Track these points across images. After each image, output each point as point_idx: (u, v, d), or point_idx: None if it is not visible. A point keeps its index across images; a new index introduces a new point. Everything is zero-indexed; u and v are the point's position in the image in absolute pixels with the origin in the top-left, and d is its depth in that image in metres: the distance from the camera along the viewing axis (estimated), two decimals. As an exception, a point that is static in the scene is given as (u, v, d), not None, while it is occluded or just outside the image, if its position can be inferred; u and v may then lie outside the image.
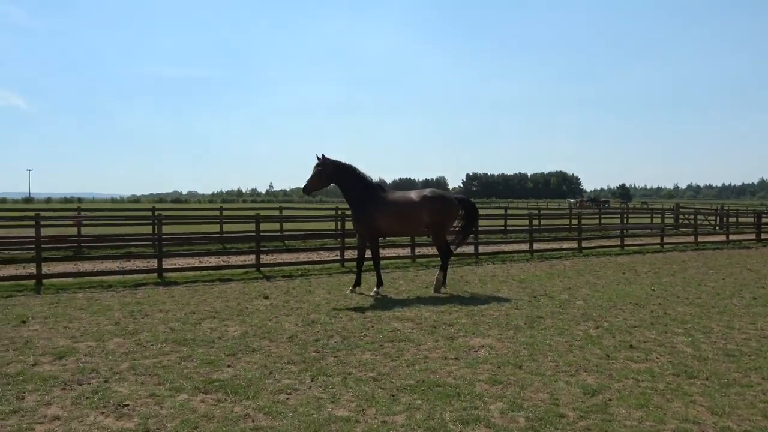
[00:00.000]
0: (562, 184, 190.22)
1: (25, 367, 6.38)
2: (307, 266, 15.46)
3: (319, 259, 16.31)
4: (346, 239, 16.82)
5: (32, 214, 17.54)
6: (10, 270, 14.22)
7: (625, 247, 22.01)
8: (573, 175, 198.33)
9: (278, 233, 22.08)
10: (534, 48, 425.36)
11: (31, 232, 15.65)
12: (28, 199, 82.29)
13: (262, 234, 16.42)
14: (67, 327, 8.33)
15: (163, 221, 15.16)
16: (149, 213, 24.93)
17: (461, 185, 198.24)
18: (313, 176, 11.33)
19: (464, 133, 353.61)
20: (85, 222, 20.48)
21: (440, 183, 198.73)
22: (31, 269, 13.54)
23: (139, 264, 15.26)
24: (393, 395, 5.55)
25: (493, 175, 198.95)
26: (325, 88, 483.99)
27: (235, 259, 16.79)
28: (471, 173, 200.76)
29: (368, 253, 12.42)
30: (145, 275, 13.44)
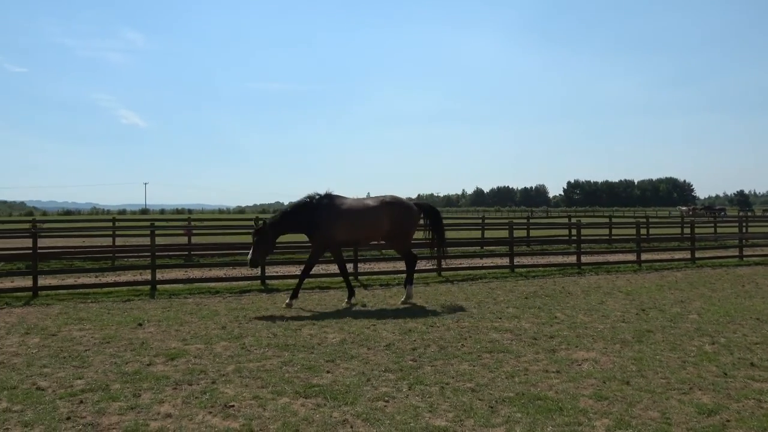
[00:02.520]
0: (673, 192, 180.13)
1: (141, 366, 6.83)
2: (403, 275, 15.52)
3: (416, 268, 16.33)
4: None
5: (148, 224, 18.77)
6: (129, 276, 15.29)
7: (745, 258, 20.48)
8: (684, 181, 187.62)
9: (375, 242, 22.35)
10: (639, 49, 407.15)
11: (147, 240, 16.74)
12: (144, 211, 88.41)
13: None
14: (179, 330, 8.84)
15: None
16: (253, 223, 25.95)
17: (562, 193, 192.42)
18: (255, 247, 11.02)
19: (565, 139, 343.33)
20: (194, 231, 21.65)
21: (540, 191, 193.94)
22: (147, 275, 14.49)
23: (244, 272, 15.93)
24: (491, 407, 5.45)
25: (596, 183, 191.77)
26: (423, 97, 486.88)
27: (333, 268, 17.13)
28: (572, 180, 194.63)
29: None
30: (249, 282, 14.01)
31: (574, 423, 5.05)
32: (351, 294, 11.43)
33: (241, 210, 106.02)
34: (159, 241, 16.71)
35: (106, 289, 12.88)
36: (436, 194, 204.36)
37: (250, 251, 11.10)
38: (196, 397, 5.74)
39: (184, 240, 21.65)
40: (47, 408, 5.45)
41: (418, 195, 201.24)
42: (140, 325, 9.22)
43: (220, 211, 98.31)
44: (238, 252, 19.50)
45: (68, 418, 5.19)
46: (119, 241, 21.90)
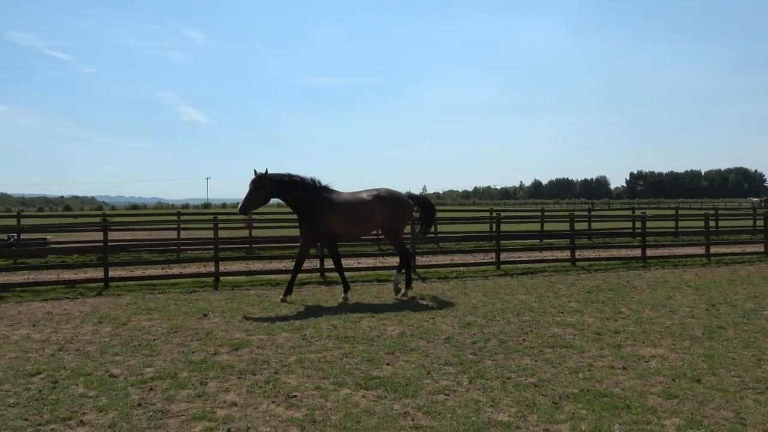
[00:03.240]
0: (743, 182, 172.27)
1: (207, 356, 7.03)
2: (461, 268, 15.44)
3: (474, 261, 16.22)
4: (501, 242, 16.54)
5: (210, 217, 19.27)
6: (193, 268, 15.76)
7: (824, 252, 19.36)
8: (756, 171, 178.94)
9: (432, 235, 22.28)
10: (705, 33, 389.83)
11: (210, 234, 17.16)
12: (207, 205, 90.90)
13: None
14: (242, 321, 9.05)
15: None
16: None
17: (624, 185, 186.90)
18: (249, 194, 10.72)
19: (626, 129, 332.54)
20: (255, 225, 22.09)
21: (601, 183, 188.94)
22: (210, 267, 14.87)
23: (306, 264, 16.16)
24: (555, 403, 5.35)
25: (660, 174, 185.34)
26: (478, 87, 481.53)
27: (391, 260, 17.19)
28: (635, 172, 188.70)
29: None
30: (308, 275, 14.20)
31: (643, 421, 4.90)
32: (346, 288, 11.16)
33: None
34: (221, 234, 17.11)
35: (172, 281, 13.31)
36: (493, 186, 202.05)
37: (242, 200, 10.84)
38: (259, 387, 5.86)
39: (245, 233, 22.14)
40: (120, 394, 5.68)
41: (475, 188, 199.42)
42: (205, 315, 9.49)
43: (279, 205, 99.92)
44: (297, 245, 19.87)
45: (139, 405, 5.40)
46: (183, 234, 22.56)
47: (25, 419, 5.08)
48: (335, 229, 11.18)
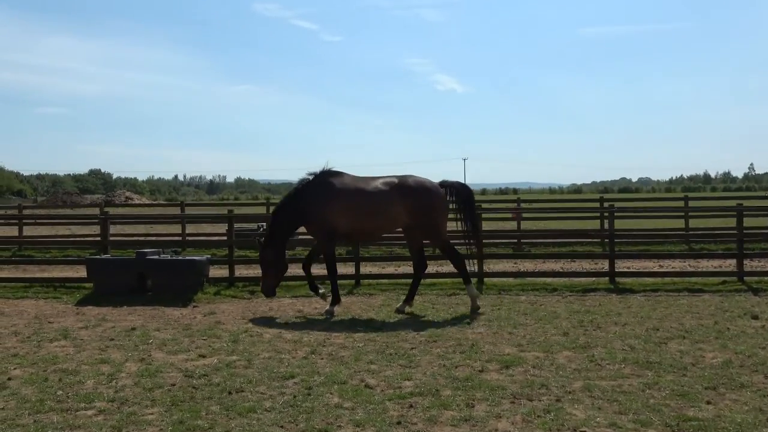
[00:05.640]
0: None
1: (472, 372, 7.25)
2: (548, 279, 13.97)
3: (562, 270, 14.57)
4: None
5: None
6: (452, 267, 16.34)
7: None
8: None
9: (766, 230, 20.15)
10: None
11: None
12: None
13: (746, 232, 15.17)
14: (512, 333, 9.16)
15: (615, 214, 15.38)
16: (595, 204, 25.68)
17: None
18: (265, 273, 11.31)
19: None
20: (524, 215, 22.22)
21: None
22: (472, 266, 15.27)
23: (586, 265, 15.88)
24: None
25: None
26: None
27: (706, 264, 16.00)
28: None
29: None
30: (594, 279, 13.86)
31: None
32: (335, 302, 11.11)
33: (576, 189, 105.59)
34: (483, 226, 17.50)
35: (428, 281, 13.97)
36: None
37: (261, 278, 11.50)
38: (538, 416, 5.87)
39: (512, 225, 22.37)
40: (377, 408, 6.14)
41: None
42: (469, 324, 9.80)
43: (551, 191, 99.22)
44: (576, 241, 19.55)
45: (399, 423, 5.77)
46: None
47: (281, 426, 5.76)
48: (338, 223, 11.05)
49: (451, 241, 11.63)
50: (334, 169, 11.48)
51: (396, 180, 11.21)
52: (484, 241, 14.68)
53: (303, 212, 11.22)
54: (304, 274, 11.65)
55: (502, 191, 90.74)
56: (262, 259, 11.34)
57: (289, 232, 11.65)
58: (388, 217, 11.04)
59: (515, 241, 19.85)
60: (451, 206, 11.63)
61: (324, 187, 11.16)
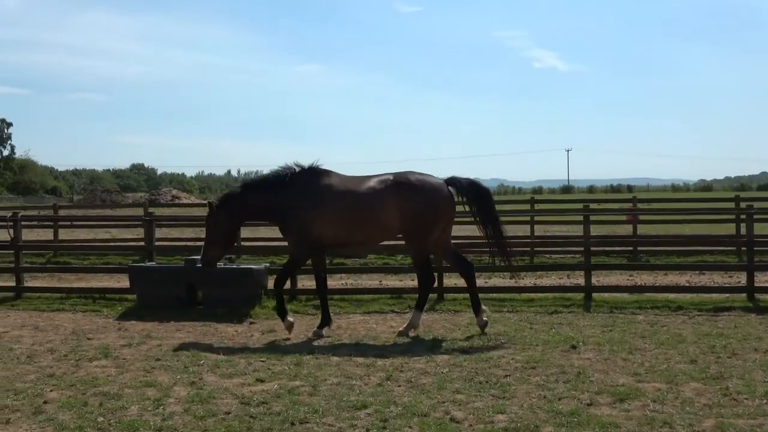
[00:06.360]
0: None
1: (579, 405, 7.17)
2: (670, 295, 13.65)
3: (689, 285, 14.10)
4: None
5: (578, 206, 19.60)
6: (553, 278, 16.26)
7: None
8: None
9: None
10: None
11: (576, 229, 17.51)
12: (567, 188, 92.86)
13: None
14: (627, 360, 9.02)
15: (755, 216, 14.96)
16: (729, 205, 24.97)
17: None
18: (209, 241, 11.31)
19: None
20: (641, 217, 21.82)
21: None
22: (578, 279, 15.11)
23: (718, 279, 15.52)
24: None
25: None
26: None
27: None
28: None
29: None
30: (728, 295, 13.53)
31: None
32: (325, 323, 11.18)
33: (705, 186, 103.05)
34: (593, 230, 17.27)
35: (524, 295, 13.89)
36: None
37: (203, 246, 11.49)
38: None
39: (626, 229, 22.02)
40: (465, 446, 6.13)
41: None
42: (574, 347, 9.70)
43: (674, 188, 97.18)
44: (705, 249, 19.10)
45: (491, 464, 5.74)
46: (538, 230, 23.34)
47: (353, 464, 5.81)
48: (323, 231, 10.98)
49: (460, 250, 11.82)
50: (321, 167, 11.42)
51: (392, 177, 11.14)
52: (591, 249, 14.49)
53: (276, 212, 11.31)
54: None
55: (614, 188, 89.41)
56: (212, 222, 11.33)
57: (248, 215, 11.80)
58: (380, 224, 11.04)
59: (630, 248, 19.51)
60: (462, 208, 11.56)
61: (308, 189, 11.14)
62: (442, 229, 11.19)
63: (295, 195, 11.06)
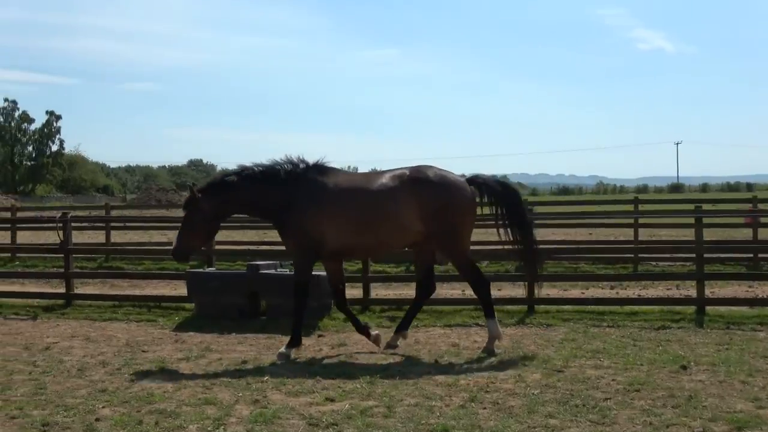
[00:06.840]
0: None
1: (690, 434, 7.04)
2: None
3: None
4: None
5: (688, 207, 19.23)
6: (659, 289, 15.98)
7: None
8: None
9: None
10: None
11: (686, 232, 17.10)
12: (676, 186, 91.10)
13: None
14: (746, 383, 8.81)
15: None
16: None
17: None
18: (184, 229, 10.97)
19: None
20: (763, 220, 21.29)
21: None
22: (688, 289, 14.83)
23: None
24: None
25: None
26: None
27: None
28: None
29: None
30: None
31: None
32: (295, 343, 10.79)
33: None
34: (706, 234, 16.95)
35: (627, 308, 13.69)
36: None
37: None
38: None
39: (746, 233, 21.55)
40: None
41: None
42: (684, 368, 9.52)
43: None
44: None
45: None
46: (643, 234, 22.96)
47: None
48: (326, 235, 10.77)
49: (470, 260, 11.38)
50: (326, 165, 11.31)
51: (408, 172, 11.03)
52: (705, 255, 14.21)
53: (272, 210, 11.24)
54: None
55: (731, 187, 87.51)
56: (192, 210, 11.07)
57: (238, 208, 11.72)
58: (396, 225, 10.87)
59: (750, 255, 19.07)
60: (486, 210, 11.48)
61: (310, 187, 11.04)
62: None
63: (296, 193, 10.99)
